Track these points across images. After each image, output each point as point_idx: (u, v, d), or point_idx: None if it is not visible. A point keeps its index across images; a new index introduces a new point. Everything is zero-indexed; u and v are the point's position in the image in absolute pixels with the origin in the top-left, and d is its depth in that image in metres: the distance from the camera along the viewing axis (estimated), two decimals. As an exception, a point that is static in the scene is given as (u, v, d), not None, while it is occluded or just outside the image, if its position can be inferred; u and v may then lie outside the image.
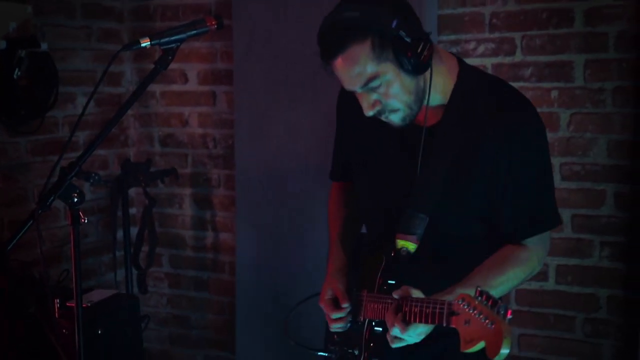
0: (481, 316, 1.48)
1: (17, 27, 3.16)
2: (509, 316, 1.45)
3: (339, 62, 1.72)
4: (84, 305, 2.02)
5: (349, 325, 2.03)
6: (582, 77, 3.00)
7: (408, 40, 1.68)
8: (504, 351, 1.43)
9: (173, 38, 1.78)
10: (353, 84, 1.75)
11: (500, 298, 1.51)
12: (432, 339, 1.80)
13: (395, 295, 1.75)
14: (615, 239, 3.02)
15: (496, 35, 3.12)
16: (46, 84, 3.32)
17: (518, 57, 3.09)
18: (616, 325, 3.05)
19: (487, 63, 3.13)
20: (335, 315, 2.02)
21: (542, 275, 3.14)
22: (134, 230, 3.75)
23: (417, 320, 1.67)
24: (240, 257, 3.58)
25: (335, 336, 2.12)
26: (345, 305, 2.00)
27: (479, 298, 1.50)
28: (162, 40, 1.77)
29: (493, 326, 1.45)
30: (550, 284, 3.14)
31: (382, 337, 1.90)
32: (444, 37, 3.18)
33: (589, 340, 3.09)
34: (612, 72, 2.95)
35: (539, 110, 3.05)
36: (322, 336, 2.21)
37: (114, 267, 3.73)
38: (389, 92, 1.74)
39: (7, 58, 3.11)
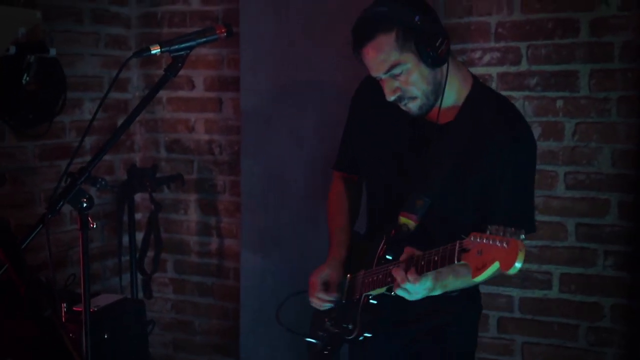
0: (494, 242, 1.56)
1: (26, 32, 3.18)
2: (522, 236, 1.54)
3: (367, 50, 1.96)
4: (91, 310, 2.03)
5: (327, 307, 2.20)
6: (587, 87, 3.01)
7: (429, 35, 1.91)
8: (518, 264, 1.51)
9: (183, 45, 1.81)
10: (378, 70, 1.97)
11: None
12: (424, 314, 2.05)
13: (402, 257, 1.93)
14: (619, 248, 3.02)
15: (502, 44, 3.13)
16: (54, 89, 3.33)
17: (523, 66, 3.10)
18: (620, 334, 3.05)
19: (492, 72, 3.15)
20: (320, 295, 2.18)
21: (546, 284, 3.15)
22: (139, 236, 3.76)
23: (425, 270, 1.82)
24: (244, 263, 3.59)
25: (327, 319, 2.24)
26: (333, 294, 2.18)
27: (490, 231, 1.59)
28: (172, 48, 1.80)
29: (507, 245, 1.53)
30: (554, 293, 3.14)
31: (376, 311, 2.07)
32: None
33: (593, 349, 3.10)
34: (617, 82, 2.96)
35: (544, 119, 3.12)
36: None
37: (119, 272, 3.74)
38: (409, 80, 1.96)
39: (16, 63, 3.12)
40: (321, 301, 2.20)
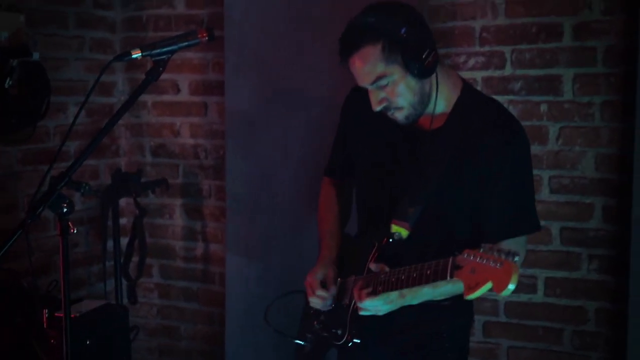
0: (488, 262, 1.56)
1: (10, 36, 3.16)
2: (516, 258, 1.54)
3: (353, 60, 1.95)
4: (72, 316, 2.01)
5: (329, 305, 2.18)
6: (571, 91, 3.02)
7: (415, 46, 1.89)
8: (511, 286, 1.52)
9: (164, 50, 1.81)
10: (364, 80, 1.97)
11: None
12: (414, 323, 2.05)
13: (371, 267, 2.01)
14: (603, 252, 3.03)
15: (486, 49, 3.14)
16: (38, 93, 3.31)
17: (508, 70, 3.11)
18: (604, 337, 3.06)
19: (477, 76, 3.15)
20: (320, 292, 2.16)
21: (531, 288, 3.15)
22: (124, 241, 3.74)
23: (417, 283, 1.83)
24: (230, 268, 3.57)
25: (316, 322, 2.24)
26: (331, 289, 2.17)
27: (484, 249, 1.59)
28: (154, 52, 1.80)
29: (501, 267, 1.53)
30: (539, 297, 3.15)
31: (365, 318, 2.06)
32: (434, 51, 3.20)
33: (578, 353, 3.10)
34: (601, 87, 2.97)
35: (528, 123, 3.13)
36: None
37: (104, 278, 3.72)
38: (395, 91, 1.95)
39: (-1, 67, 3.11)
40: (322, 299, 2.18)
